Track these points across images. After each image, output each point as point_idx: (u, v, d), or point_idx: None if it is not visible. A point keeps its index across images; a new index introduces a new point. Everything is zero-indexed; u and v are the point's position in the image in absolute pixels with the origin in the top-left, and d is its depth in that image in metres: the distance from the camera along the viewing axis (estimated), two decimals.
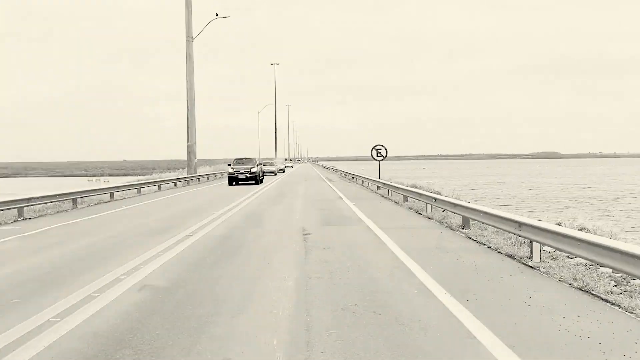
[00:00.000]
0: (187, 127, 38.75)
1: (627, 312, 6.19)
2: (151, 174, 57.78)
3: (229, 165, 37.38)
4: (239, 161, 37.26)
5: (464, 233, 12.44)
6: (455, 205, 13.67)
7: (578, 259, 8.77)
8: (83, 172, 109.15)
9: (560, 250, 8.24)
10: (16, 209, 17.49)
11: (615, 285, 7.41)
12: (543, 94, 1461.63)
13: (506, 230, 10.24)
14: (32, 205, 18.39)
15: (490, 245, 10.66)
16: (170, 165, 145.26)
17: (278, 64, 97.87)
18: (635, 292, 7.09)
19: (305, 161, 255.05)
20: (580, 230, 12.42)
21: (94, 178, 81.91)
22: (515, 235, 10.20)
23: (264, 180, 39.28)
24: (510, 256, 9.57)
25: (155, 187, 32.13)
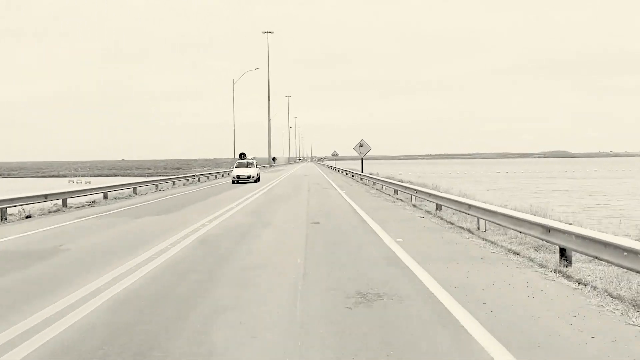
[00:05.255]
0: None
1: None
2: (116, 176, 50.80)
3: None
4: None
5: None
6: None
7: None
8: (73, 172, 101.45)
9: None
10: None
11: None
12: (552, 92, 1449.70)
13: None
14: None
15: None
16: (167, 165, 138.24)
17: (272, 32, 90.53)
18: None
19: (309, 160, 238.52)
20: None
21: (75, 179, 74.14)
22: None
23: None
24: None
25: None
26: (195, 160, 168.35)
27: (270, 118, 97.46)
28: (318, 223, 14.72)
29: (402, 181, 29.29)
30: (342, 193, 27.07)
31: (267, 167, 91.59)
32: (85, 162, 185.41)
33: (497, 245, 10.80)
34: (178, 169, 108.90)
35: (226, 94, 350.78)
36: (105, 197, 24.35)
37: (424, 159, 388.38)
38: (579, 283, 7.54)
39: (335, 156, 76.45)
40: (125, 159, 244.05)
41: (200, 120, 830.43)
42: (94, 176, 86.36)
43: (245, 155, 57.40)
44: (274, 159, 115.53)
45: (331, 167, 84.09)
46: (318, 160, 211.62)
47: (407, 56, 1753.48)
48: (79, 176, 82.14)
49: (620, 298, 6.73)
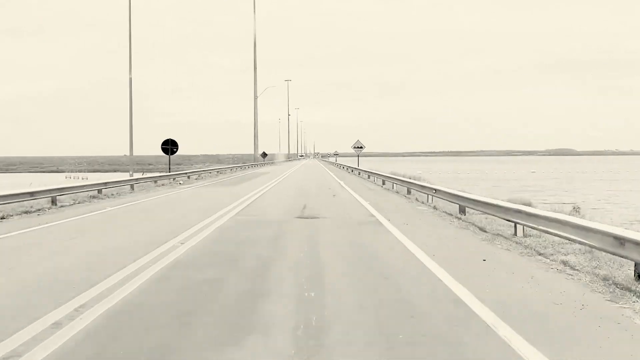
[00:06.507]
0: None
1: None
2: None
3: None
4: None
5: None
6: None
7: None
8: (70, 167, 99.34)
9: None
10: None
11: None
12: (557, 91, 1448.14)
13: None
14: None
15: None
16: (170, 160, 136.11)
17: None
18: None
19: (312, 157, 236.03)
20: None
21: (72, 174, 72.14)
22: None
23: None
24: None
25: None
26: (197, 156, 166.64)
27: (257, 96, 79.93)
28: None
29: None
30: None
31: (242, 167, 63.68)
32: (88, 157, 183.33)
33: None
34: (179, 164, 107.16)
35: (227, 92, 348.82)
36: (54, 202, 19.09)
37: (427, 156, 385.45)
38: None
39: (359, 149, 49.43)
40: (127, 154, 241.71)
41: (200, 118, 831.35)
42: (92, 171, 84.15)
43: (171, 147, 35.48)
44: (264, 154, 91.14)
45: (353, 172, 48.85)
46: (322, 157, 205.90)
47: (412, 55, 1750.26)
48: (75, 171, 79.93)
49: None
